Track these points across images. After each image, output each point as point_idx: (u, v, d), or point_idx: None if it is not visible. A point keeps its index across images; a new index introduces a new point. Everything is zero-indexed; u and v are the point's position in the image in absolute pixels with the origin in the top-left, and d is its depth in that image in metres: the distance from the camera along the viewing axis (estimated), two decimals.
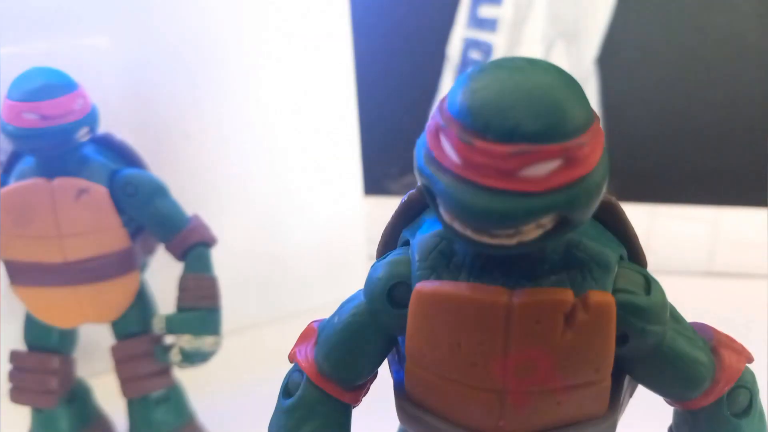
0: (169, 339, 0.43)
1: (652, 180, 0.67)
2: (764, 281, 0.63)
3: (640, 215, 0.64)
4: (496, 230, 0.20)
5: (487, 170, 0.19)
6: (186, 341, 0.41)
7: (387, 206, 0.71)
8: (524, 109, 0.19)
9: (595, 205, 0.20)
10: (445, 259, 0.23)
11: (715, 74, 0.65)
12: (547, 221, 0.20)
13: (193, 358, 0.41)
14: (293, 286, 0.63)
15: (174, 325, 0.41)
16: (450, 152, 0.20)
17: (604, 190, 0.20)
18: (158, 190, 0.41)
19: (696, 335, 0.24)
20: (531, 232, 0.20)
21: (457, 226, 0.20)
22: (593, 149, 0.20)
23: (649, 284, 0.23)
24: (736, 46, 0.64)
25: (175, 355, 0.41)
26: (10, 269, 0.41)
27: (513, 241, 0.20)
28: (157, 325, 0.41)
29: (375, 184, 0.71)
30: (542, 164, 0.19)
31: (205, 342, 0.41)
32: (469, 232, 0.20)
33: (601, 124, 0.21)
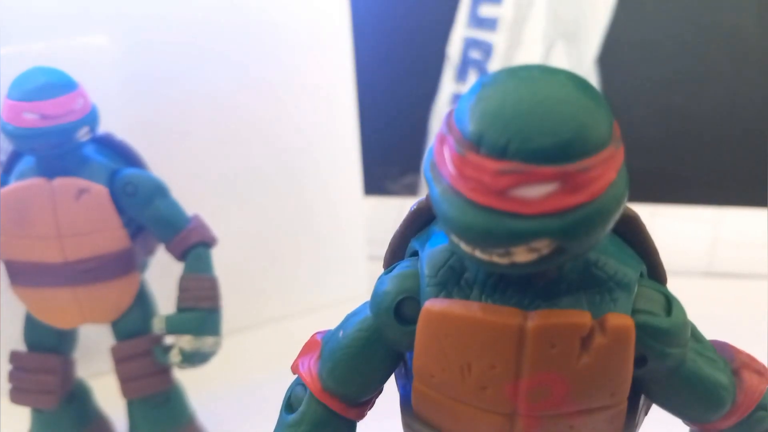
0: (169, 339, 0.42)
1: (652, 180, 0.67)
2: (764, 281, 0.63)
3: (640, 215, 0.64)
4: (481, 248, 0.19)
5: (477, 185, 0.18)
6: (186, 342, 0.40)
7: (387, 206, 0.72)
8: (521, 126, 0.18)
9: (599, 236, 0.19)
10: (455, 276, 0.22)
11: (716, 74, 0.64)
12: (542, 246, 0.18)
13: (193, 358, 0.41)
14: (293, 286, 0.63)
15: (174, 325, 0.41)
16: (447, 161, 0.19)
17: (614, 217, 0.19)
18: (159, 190, 0.41)
19: (717, 356, 0.23)
20: (523, 254, 0.19)
21: (453, 236, 0.19)
22: (601, 175, 0.18)
23: (670, 304, 0.22)
24: (737, 46, 0.64)
25: (174, 356, 0.40)
26: (10, 270, 0.40)
27: (504, 261, 0.19)
28: (157, 326, 0.41)
29: (375, 184, 0.71)
30: (535, 186, 0.18)
31: (206, 342, 0.40)
32: (462, 245, 0.19)
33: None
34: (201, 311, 0.41)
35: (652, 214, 0.66)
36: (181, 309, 0.41)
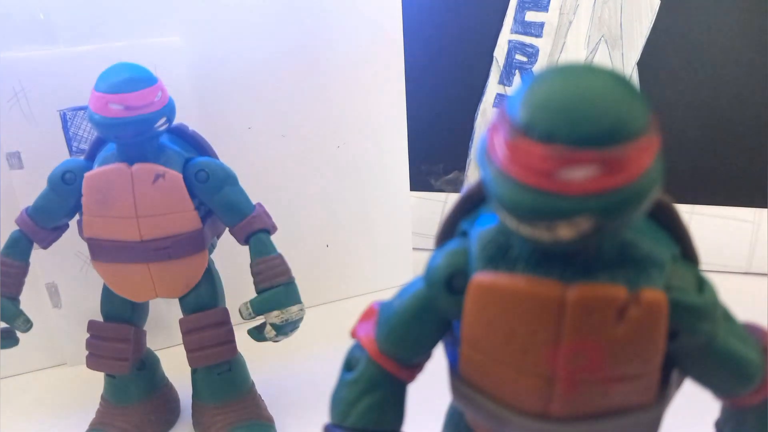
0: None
1: (691, 181, 0.66)
2: None
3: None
4: (528, 223, 0.20)
5: (526, 168, 0.19)
6: (275, 317, 0.42)
7: (431, 202, 0.73)
8: (567, 114, 0.19)
9: (635, 214, 0.20)
10: (501, 252, 0.23)
11: (756, 77, 0.64)
12: (582, 222, 0.19)
13: (285, 329, 0.42)
14: (345, 273, 0.65)
15: (259, 306, 0.42)
16: (499, 147, 0.20)
17: (648, 200, 0.20)
18: (228, 178, 0.42)
19: (748, 334, 0.24)
20: (565, 230, 0.20)
21: (502, 213, 0.21)
22: (637, 161, 0.19)
23: (702, 283, 0.23)
24: None
25: (269, 332, 0.42)
26: (92, 246, 0.42)
27: (548, 237, 0.20)
28: (244, 312, 0.42)
29: (419, 180, 0.71)
30: (578, 168, 0.19)
31: (291, 312, 0.42)
32: (511, 221, 0.20)
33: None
34: (278, 287, 0.42)
35: (690, 213, 0.66)
36: (260, 291, 0.43)
